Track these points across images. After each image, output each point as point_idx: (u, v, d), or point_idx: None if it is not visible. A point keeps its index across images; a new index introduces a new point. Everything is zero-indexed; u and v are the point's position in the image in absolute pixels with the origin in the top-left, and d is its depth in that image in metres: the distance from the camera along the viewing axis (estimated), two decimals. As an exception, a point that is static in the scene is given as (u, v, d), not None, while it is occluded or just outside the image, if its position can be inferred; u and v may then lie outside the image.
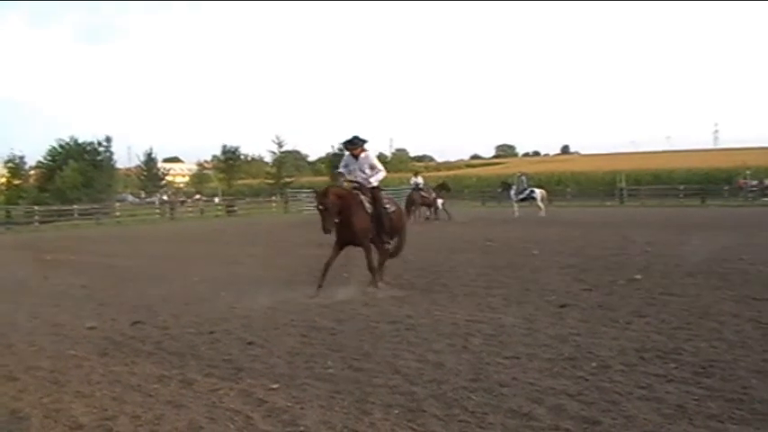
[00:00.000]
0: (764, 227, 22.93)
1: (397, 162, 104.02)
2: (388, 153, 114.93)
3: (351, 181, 10.88)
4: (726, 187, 50.99)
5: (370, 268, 10.78)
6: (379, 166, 11.04)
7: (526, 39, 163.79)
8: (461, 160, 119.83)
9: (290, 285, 11.36)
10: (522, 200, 33.35)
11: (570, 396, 5.40)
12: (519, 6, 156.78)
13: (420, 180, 31.94)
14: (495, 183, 48.93)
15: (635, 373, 5.94)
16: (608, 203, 47.54)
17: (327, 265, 10.48)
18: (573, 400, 5.30)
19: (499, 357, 6.58)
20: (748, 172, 51.22)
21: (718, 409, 5.01)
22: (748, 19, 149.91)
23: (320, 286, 10.30)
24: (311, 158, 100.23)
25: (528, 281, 11.36)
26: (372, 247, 10.91)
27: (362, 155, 10.89)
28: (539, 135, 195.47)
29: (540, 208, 32.44)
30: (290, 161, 77.89)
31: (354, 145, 10.85)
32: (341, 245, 10.68)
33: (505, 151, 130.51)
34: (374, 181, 10.80)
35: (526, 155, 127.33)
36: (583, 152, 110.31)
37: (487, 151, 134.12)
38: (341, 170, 11.10)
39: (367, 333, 7.90)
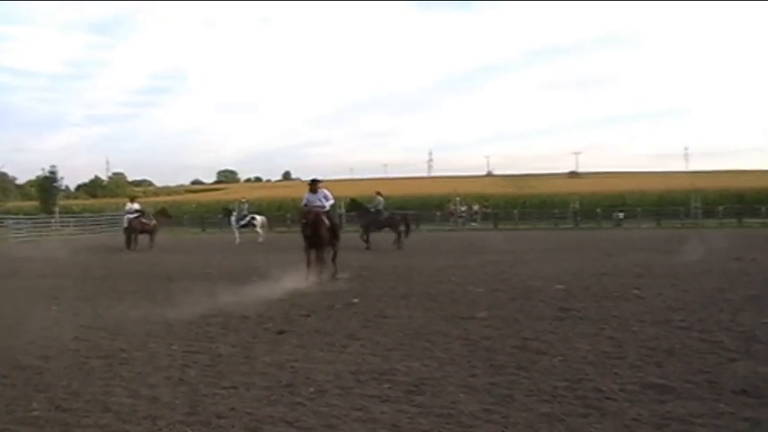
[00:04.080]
0: (471, 249, 25.30)
1: (114, 186, 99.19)
2: (104, 176, 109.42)
3: (315, 206, 15.51)
4: (438, 213, 55.51)
5: (330, 263, 15.66)
6: (330, 196, 15.98)
7: (245, 66, 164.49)
8: (182, 185, 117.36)
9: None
10: (243, 226, 33.52)
11: (288, 423, 5.47)
12: (240, 33, 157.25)
13: (137, 206, 30.76)
14: (217, 209, 48.82)
15: (351, 395, 6.18)
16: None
17: (309, 263, 15.22)
18: (291, 427, 5.37)
19: (216, 388, 6.51)
20: (458, 198, 56.23)
21: (429, 424, 5.37)
22: (459, 56, 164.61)
23: (308, 273, 14.95)
24: (20, 181, 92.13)
25: (246, 308, 11.34)
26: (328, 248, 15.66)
27: (320, 190, 15.79)
28: (260, 161, 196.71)
29: (259, 234, 32.78)
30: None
31: (317, 182, 16.02)
32: (311, 247, 15.35)
33: (227, 177, 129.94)
34: (327, 206, 15.77)
35: (248, 180, 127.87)
36: (304, 178, 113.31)
37: (209, 176, 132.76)
38: (305, 203, 15.83)
39: (76, 370, 7.41)
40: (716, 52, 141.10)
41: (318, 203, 15.60)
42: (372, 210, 28.41)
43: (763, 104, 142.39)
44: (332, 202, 16.01)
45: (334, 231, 15.83)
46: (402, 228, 27.58)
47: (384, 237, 27.82)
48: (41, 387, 6.73)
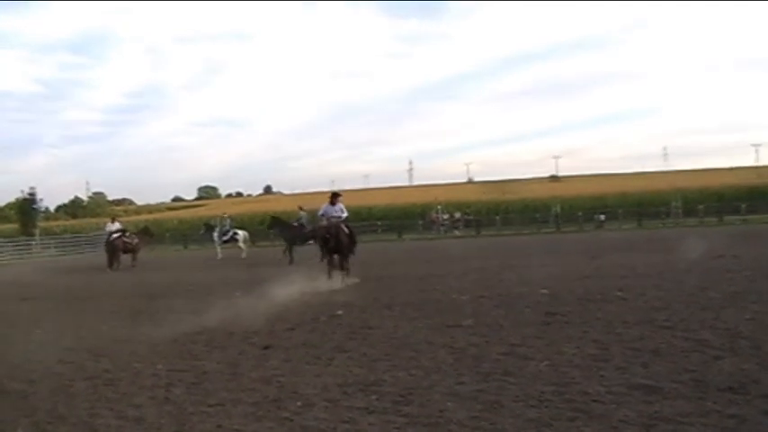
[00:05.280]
0: (455, 258, 25.31)
1: (95, 206, 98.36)
2: (84, 197, 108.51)
3: (332, 217, 17.50)
4: (420, 222, 55.60)
5: (346, 268, 17.38)
6: (345, 209, 17.90)
7: (222, 81, 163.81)
8: (162, 203, 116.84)
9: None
10: (226, 242, 33.44)
11: (276, 438, 5.43)
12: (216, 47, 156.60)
13: (118, 225, 30.61)
14: (198, 225, 48.64)
15: (338, 408, 6.15)
16: (310, 242, 49.02)
17: (330, 264, 17.24)
18: (278, 443, 5.34)
19: (203, 406, 6.46)
20: (440, 207, 56.31)
21: (418, 434, 5.35)
22: (436, 64, 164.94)
23: (330, 276, 16.91)
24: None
25: (231, 324, 11.27)
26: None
27: (338, 203, 17.68)
28: (241, 176, 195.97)
29: (242, 249, 32.68)
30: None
31: (337, 196, 18.01)
32: (332, 254, 17.28)
33: (208, 193, 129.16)
34: (343, 217, 17.68)
35: (229, 196, 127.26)
36: (285, 192, 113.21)
37: (190, 193, 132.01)
38: (321, 214, 17.95)
39: (61, 393, 7.34)
40: (689, 51, 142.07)
41: (335, 215, 17.56)
42: (295, 224, 28.67)
43: (738, 102, 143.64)
44: (346, 214, 17.96)
45: (351, 239, 17.76)
46: None
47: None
48: (27, 411, 6.66)
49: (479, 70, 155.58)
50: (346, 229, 17.67)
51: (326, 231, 17.43)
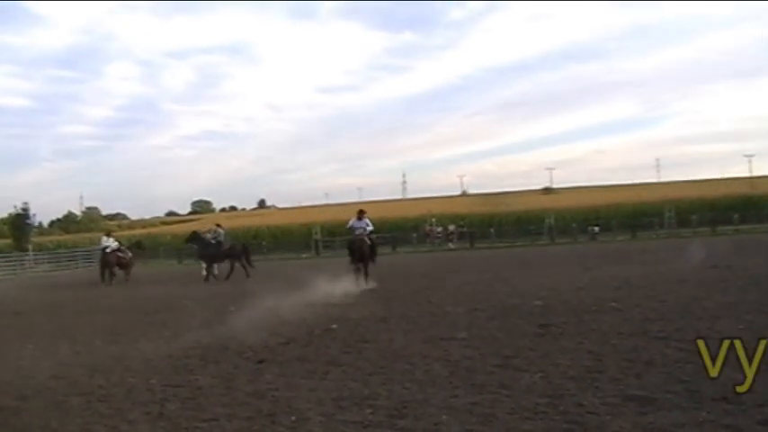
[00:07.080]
0: (450, 270, 25.30)
1: (88, 221, 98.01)
2: (77, 211, 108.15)
3: (357, 229, 20.26)
4: (414, 234, 55.62)
5: (367, 274, 19.90)
6: (370, 223, 20.59)
7: (215, 94, 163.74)
8: (156, 217, 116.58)
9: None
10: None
11: (270, 453, 5.41)
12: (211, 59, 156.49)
13: (112, 240, 30.42)
14: (193, 240, 48.63)
15: (333, 422, 6.14)
16: (304, 255, 49.14)
17: (357, 271, 19.86)
18: (272, 458, 5.32)
19: (197, 421, 6.45)
20: (434, 219, 56.38)
21: (412, 447, 5.34)
22: (427, 76, 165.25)
23: (357, 279, 19.52)
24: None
25: (225, 338, 11.24)
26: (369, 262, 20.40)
27: (364, 217, 20.44)
28: (235, 190, 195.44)
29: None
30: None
31: (363, 212, 20.80)
32: (357, 262, 19.97)
33: (202, 207, 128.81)
34: (368, 230, 20.34)
35: (223, 210, 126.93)
36: (279, 205, 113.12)
37: (183, 207, 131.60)
38: (349, 227, 20.87)
39: (55, 409, 7.30)
40: (683, 61, 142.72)
41: (360, 228, 20.23)
42: (213, 242, 28.59)
43: (732, 112, 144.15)
44: (371, 228, 20.63)
45: (372, 250, 20.41)
46: (243, 259, 27.90)
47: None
48: (19, 427, 6.65)
49: (472, 82, 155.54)
50: (368, 241, 20.31)
51: (352, 243, 20.47)
